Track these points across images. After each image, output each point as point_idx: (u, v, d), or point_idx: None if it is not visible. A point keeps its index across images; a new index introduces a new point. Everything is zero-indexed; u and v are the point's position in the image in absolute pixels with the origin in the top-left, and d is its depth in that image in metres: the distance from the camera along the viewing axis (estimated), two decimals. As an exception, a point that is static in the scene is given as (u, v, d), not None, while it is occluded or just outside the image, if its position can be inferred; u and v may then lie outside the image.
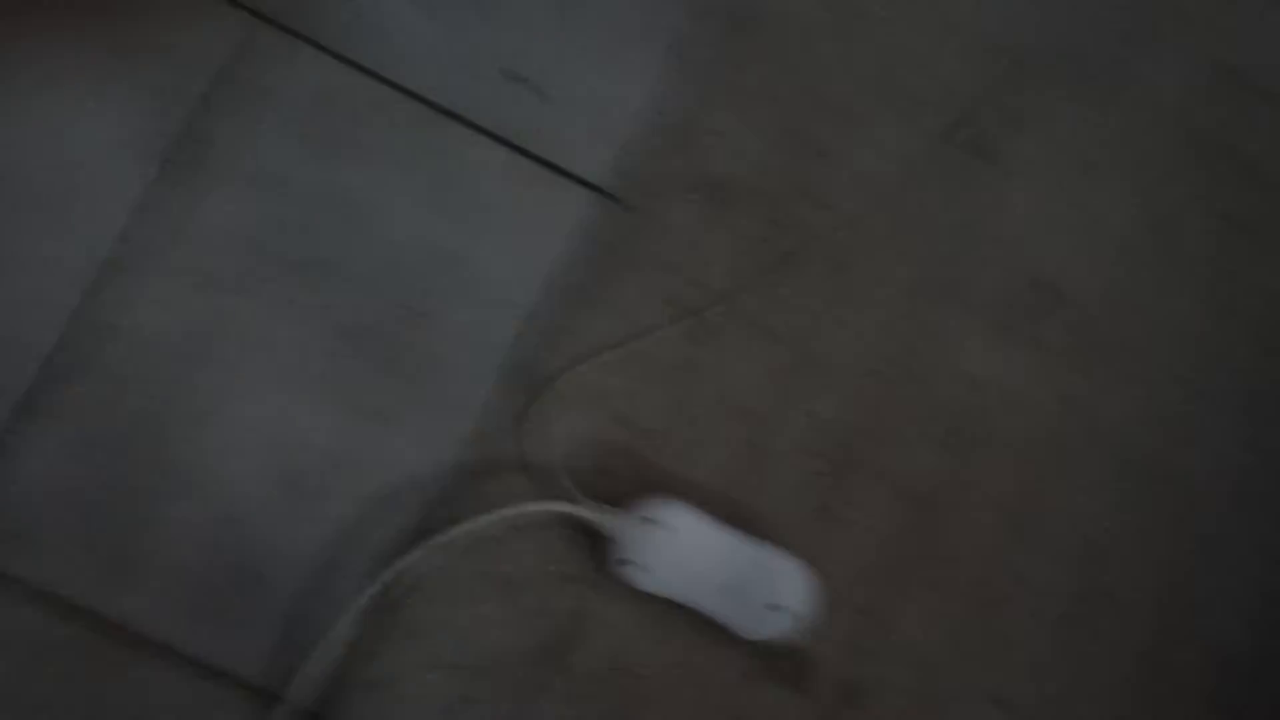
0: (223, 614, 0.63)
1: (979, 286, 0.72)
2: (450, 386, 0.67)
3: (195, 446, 0.64)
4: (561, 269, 0.69)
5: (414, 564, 0.65)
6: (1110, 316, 0.73)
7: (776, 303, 0.70)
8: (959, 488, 0.71)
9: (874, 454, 0.70)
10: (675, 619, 0.67)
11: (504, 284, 0.68)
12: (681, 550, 0.64)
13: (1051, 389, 0.72)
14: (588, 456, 0.68)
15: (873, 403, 0.70)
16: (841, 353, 0.70)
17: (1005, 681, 0.70)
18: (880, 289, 0.71)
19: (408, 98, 0.69)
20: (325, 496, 0.65)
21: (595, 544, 0.66)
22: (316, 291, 0.66)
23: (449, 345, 0.67)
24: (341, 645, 0.64)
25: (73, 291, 0.64)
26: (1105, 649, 0.71)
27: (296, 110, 0.68)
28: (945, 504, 0.70)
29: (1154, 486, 0.72)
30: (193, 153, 0.67)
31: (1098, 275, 0.73)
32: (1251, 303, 0.74)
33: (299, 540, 0.64)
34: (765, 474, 0.69)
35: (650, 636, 0.67)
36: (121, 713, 0.62)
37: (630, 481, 0.68)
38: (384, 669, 0.65)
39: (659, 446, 0.68)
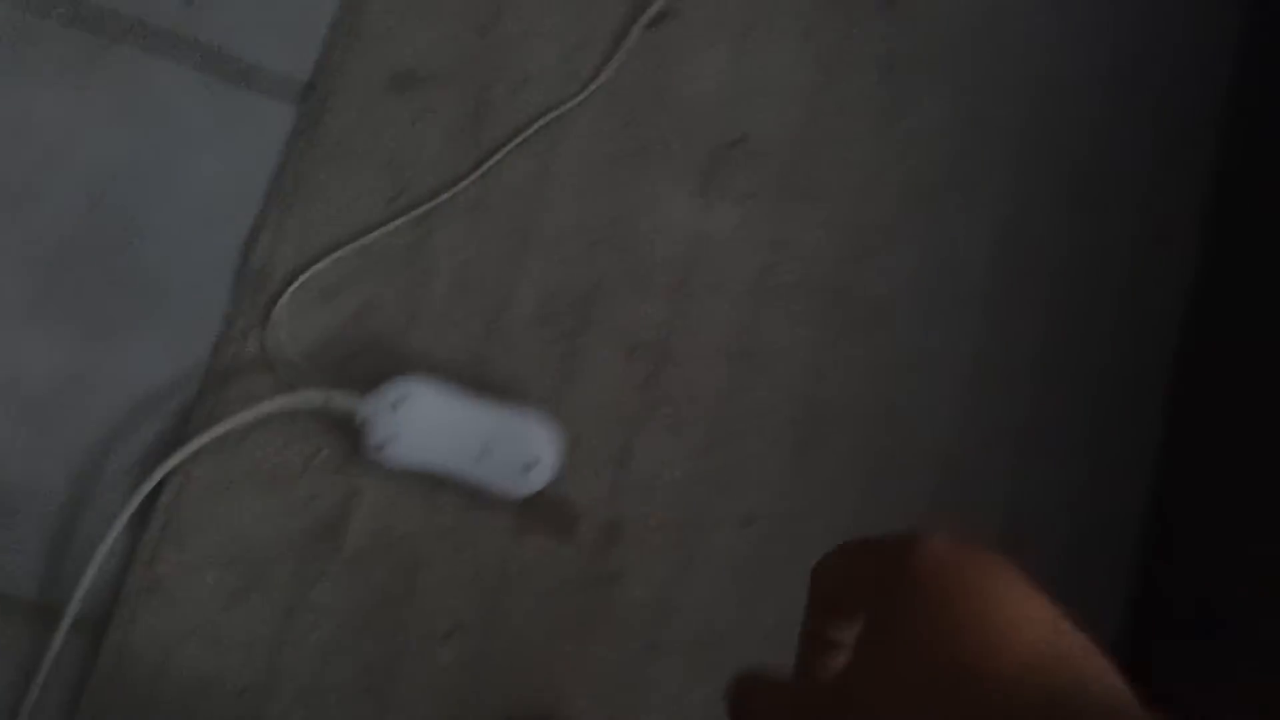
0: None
1: (681, 149, 0.79)
2: (185, 297, 0.69)
3: None
4: (277, 173, 0.72)
5: (175, 469, 0.67)
6: (802, 162, 0.81)
7: (493, 186, 0.75)
8: (687, 334, 0.77)
9: (604, 314, 0.76)
10: (442, 490, 0.72)
11: (222, 194, 0.71)
12: (432, 424, 0.69)
13: (760, 235, 0.80)
14: (335, 350, 0.72)
15: (598, 268, 0.76)
16: (562, 226, 0.76)
17: (752, 503, 0.78)
18: (589, 162, 0.77)
19: (78, 27, 0.71)
20: (70, 420, 0.67)
21: (352, 432, 0.70)
22: (16, 222, 0.68)
23: (177, 258, 0.70)
24: (114, 556, 0.66)
25: None
26: (837, 462, 0.79)
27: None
28: (676, 351, 0.77)
29: (858, 312, 0.80)
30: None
31: (785, 126, 0.81)
32: (916, 135, 0.83)
33: (51, 468, 0.66)
34: (507, 345, 0.75)
35: (419, 509, 0.72)
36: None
37: (379, 369, 0.72)
38: (160, 572, 0.67)
39: (403, 333, 0.73)
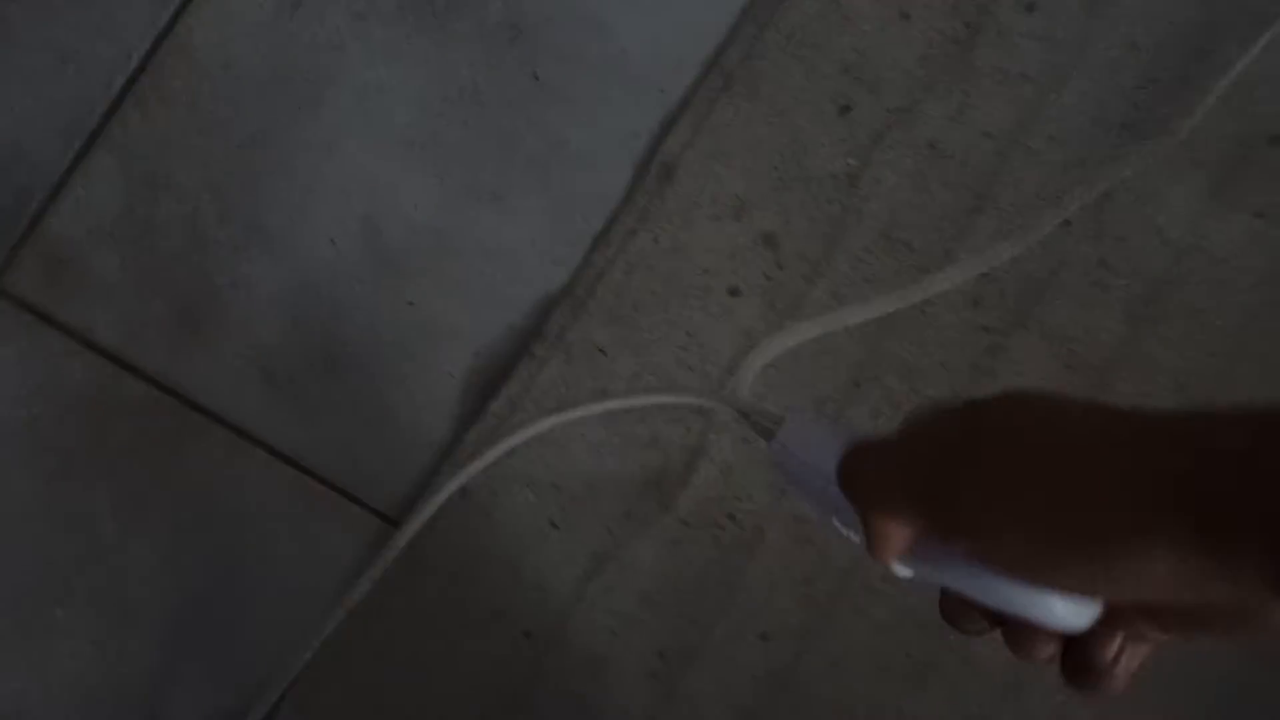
0: (298, 398, 0.56)
1: (1205, 134, 0.61)
2: (578, 178, 0.58)
3: (277, 200, 0.56)
4: (719, 54, 0.59)
5: (526, 375, 0.57)
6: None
7: (959, 119, 0.60)
8: (1138, 363, 0.61)
9: (1047, 312, 0.60)
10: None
11: (655, 64, 0.58)
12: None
13: (1264, 263, 0.61)
14: (723, 271, 0.59)
15: (1054, 254, 0.60)
16: (1019, 188, 0.60)
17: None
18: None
19: None
20: (422, 278, 0.57)
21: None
22: (443, 33, 0.57)
23: (581, 129, 0.58)
24: (430, 448, 0.57)
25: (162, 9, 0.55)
26: None
27: None
28: (1119, 380, 0.61)
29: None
30: None
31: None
32: None
33: (387, 324, 0.57)
34: (923, 323, 0.60)
35: (768, 485, 0.59)
36: (189, 480, 0.56)
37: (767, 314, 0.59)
38: (476, 480, 0.58)
39: (802, 276, 0.59)
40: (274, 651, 0.57)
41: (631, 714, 0.59)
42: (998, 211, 0.60)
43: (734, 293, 0.59)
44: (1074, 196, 0.59)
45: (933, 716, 0.61)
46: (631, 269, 0.59)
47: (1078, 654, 0.30)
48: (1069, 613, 0.29)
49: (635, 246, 0.59)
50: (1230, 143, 0.61)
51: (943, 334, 0.61)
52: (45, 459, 0.56)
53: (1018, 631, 0.31)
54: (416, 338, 0.57)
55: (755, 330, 0.59)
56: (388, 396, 0.57)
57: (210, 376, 0.56)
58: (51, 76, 0.53)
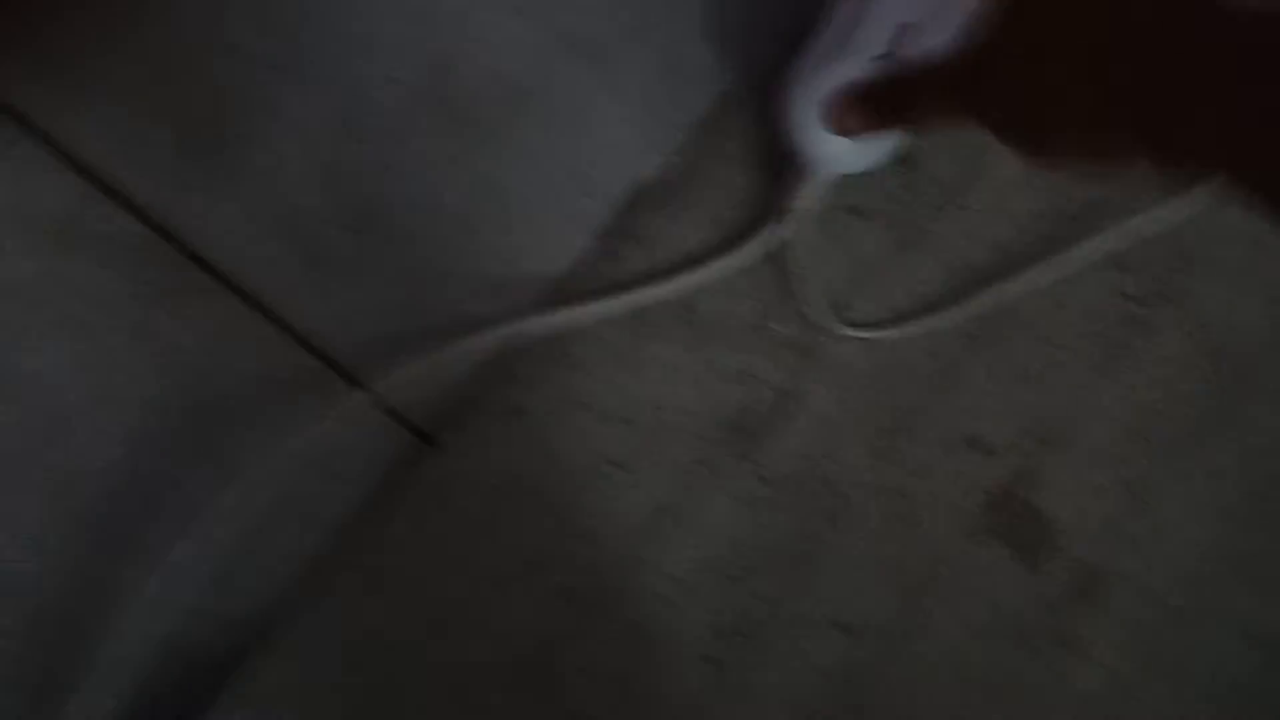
0: (321, 266, 0.45)
1: None
2: (684, 41, 0.48)
3: (331, 16, 0.45)
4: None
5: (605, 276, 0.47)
6: None
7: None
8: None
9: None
10: (900, 436, 0.50)
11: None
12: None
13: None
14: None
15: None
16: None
17: (1266, 616, 0.54)
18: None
19: None
20: (497, 138, 0.46)
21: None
22: None
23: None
24: (474, 357, 0.46)
25: None
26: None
27: None
28: (1257, 370, 0.53)
29: None
30: None
31: None
32: None
33: (447, 190, 0.46)
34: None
35: (868, 447, 0.50)
36: (161, 340, 0.44)
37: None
38: (524, 397, 0.47)
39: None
40: (260, 570, 0.45)
41: (674, 701, 0.49)
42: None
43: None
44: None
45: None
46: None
47: None
48: None
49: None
50: None
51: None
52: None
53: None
54: (478, 212, 0.46)
55: (872, 257, 0.49)
56: (431, 279, 0.46)
57: (211, 221, 0.44)
58: None
